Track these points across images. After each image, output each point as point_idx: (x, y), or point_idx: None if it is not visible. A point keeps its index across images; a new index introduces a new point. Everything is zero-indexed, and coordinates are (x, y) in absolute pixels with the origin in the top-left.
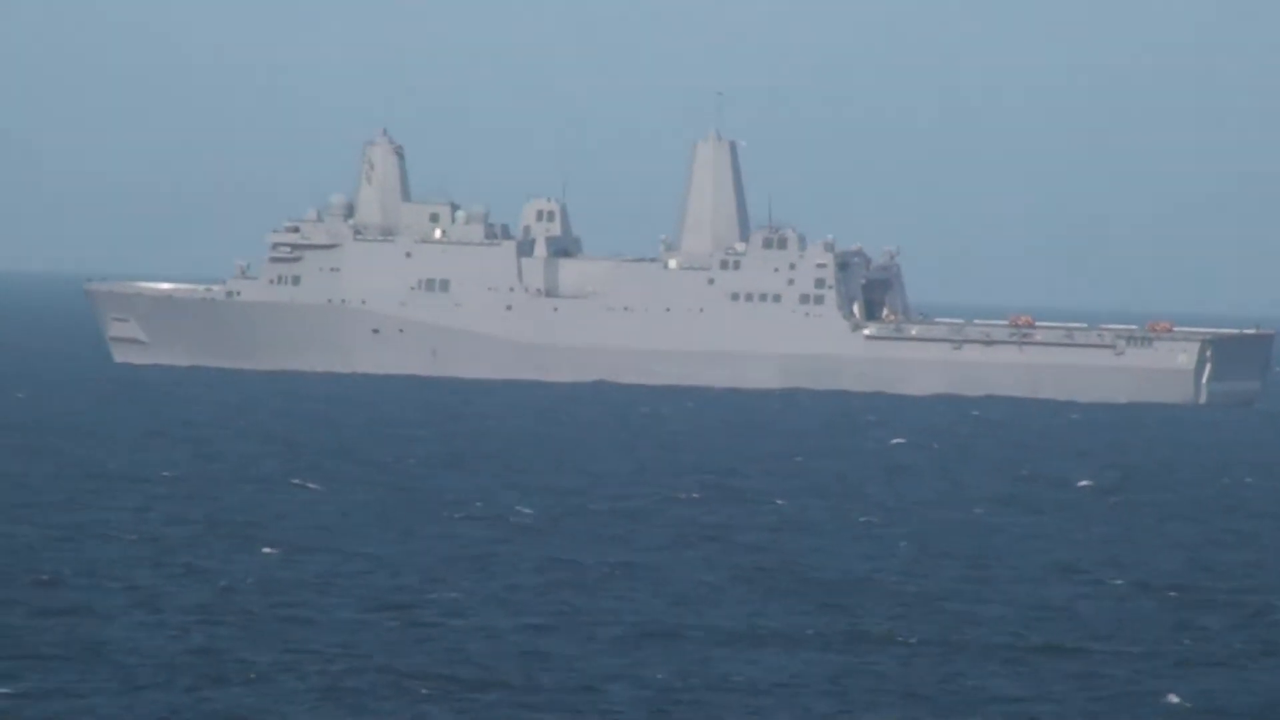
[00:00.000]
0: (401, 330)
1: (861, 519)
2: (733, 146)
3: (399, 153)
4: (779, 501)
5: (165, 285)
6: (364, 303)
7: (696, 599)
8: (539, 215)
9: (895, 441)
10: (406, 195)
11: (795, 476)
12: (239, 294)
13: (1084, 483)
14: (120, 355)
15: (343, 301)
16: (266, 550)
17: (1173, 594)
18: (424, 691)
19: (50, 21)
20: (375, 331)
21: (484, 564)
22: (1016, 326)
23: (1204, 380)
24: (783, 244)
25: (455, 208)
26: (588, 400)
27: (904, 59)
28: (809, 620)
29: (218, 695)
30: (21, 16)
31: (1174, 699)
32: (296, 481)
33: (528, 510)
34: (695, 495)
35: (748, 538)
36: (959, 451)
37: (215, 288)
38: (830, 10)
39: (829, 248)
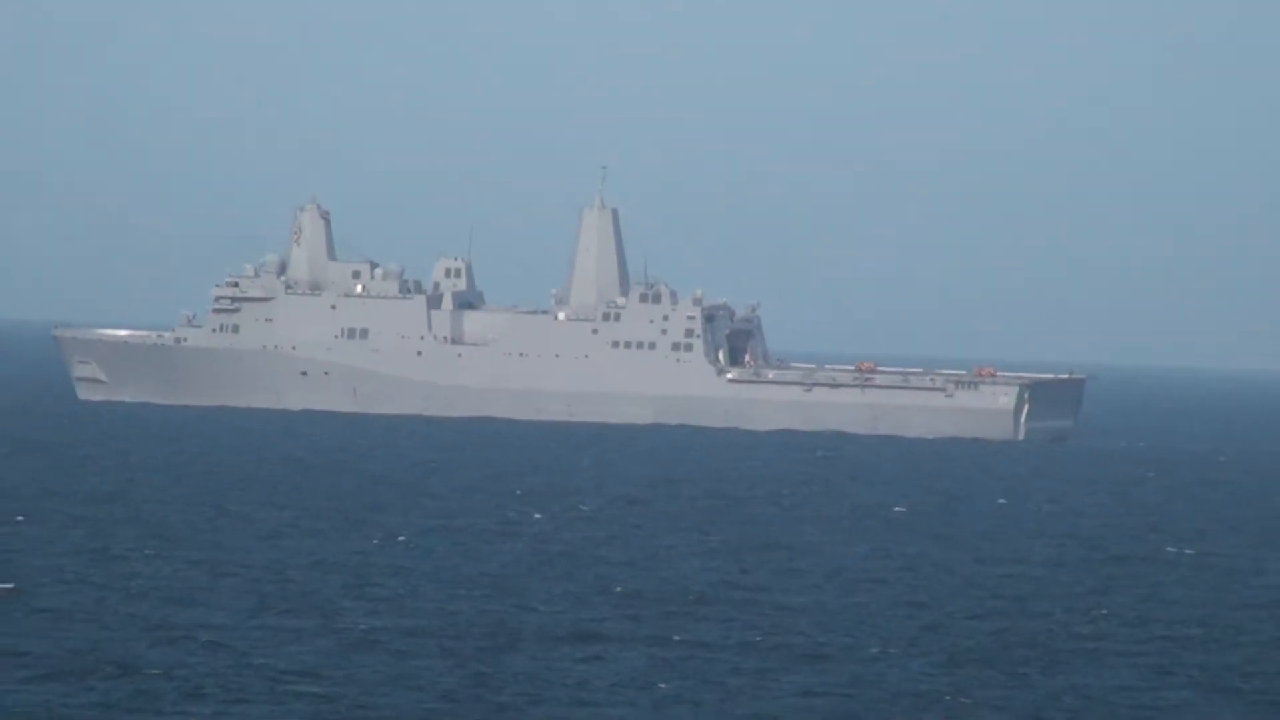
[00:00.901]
0: (326, 373)
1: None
2: (614, 213)
3: (325, 217)
4: (583, 507)
5: (122, 331)
6: (294, 348)
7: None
8: (447, 272)
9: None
10: (332, 254)
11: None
12: (185, 340)
13: (898, 509)
14: (84, 394)
15: (275, 347)
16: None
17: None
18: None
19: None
20: (304, 374)
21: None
22: (860, 371)
23: (1022, 419)
24: (657, 298)
25: (374, 265)
26: (469, 435)
27: (760, 137)
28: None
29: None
30: None
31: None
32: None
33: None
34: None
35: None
36: (798, 478)
37: (165, 334)
38: (699, 89)
39: (697, 302)
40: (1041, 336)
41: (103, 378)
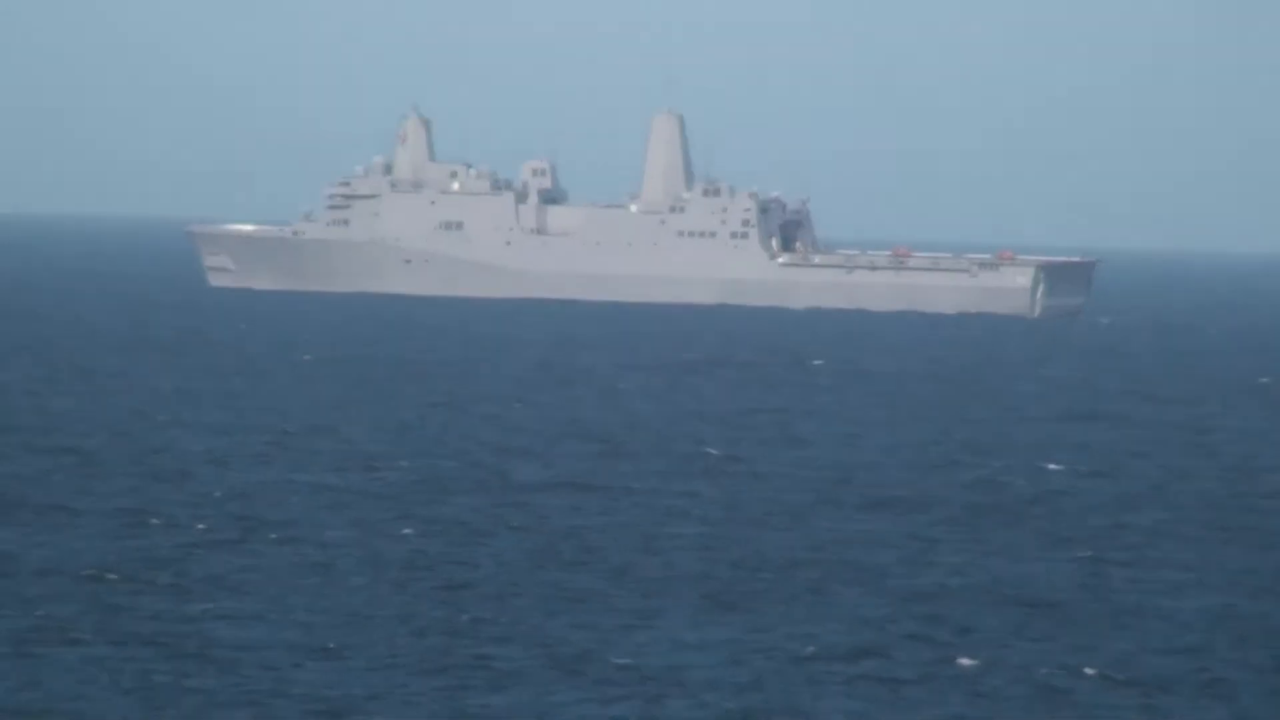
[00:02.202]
0: (426, 261)
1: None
2: (680, 119)
3: (426, 124)
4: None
5: (248, 226)
6: (398, 240)
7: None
8: (534, 172)
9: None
10: (432, 156)
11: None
12: (303, 233)
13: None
14: (215, 281)
15: (381, 239)
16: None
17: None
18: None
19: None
20: (407, 262)
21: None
22: (896, 255)
23: (1038, 297)
24: (717, 193)
25: (469, 166)
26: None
27: (824, 33)
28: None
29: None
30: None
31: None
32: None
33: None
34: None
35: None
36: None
37: (285, 229)
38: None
39: (753, 196)
40: (1111, 221)
41: (231, 267)
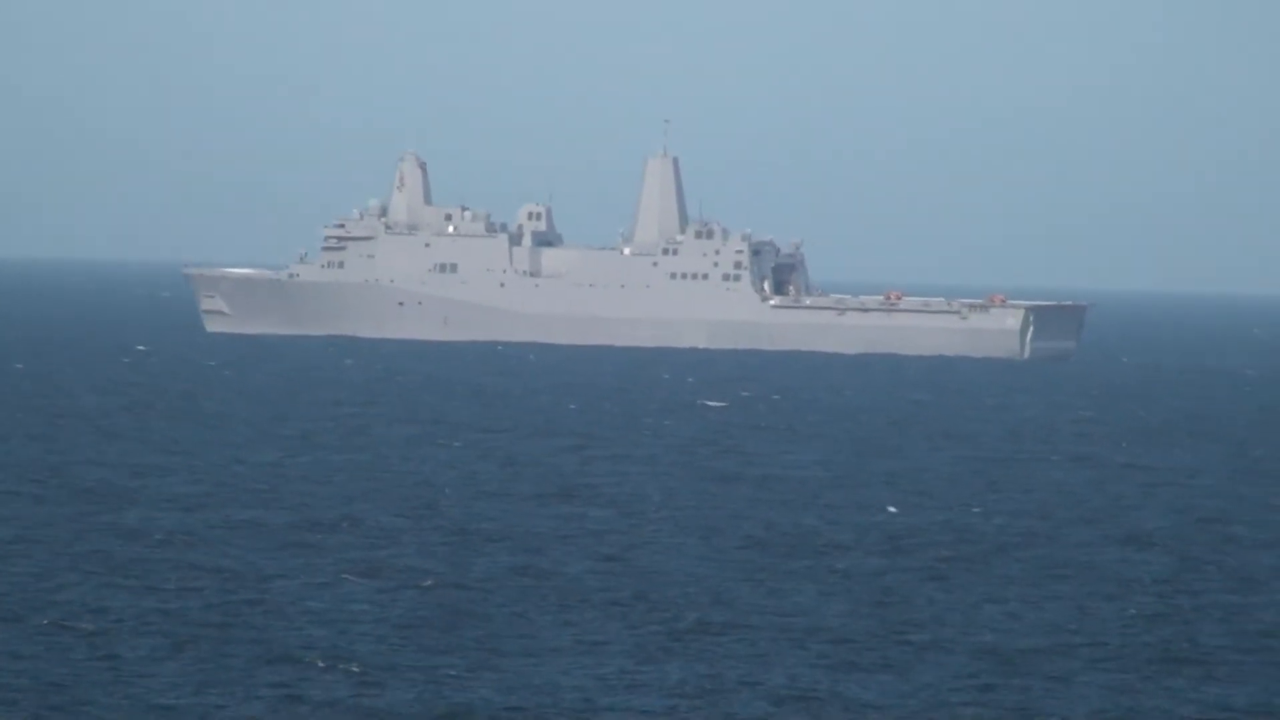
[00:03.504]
0: (420, 303)
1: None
2: (675, 162)
3: (422, 166)
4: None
5: (243, 270)
6: (392, 281)
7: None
8: (529, 215)
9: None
10: (428, 200)
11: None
12: (298, 275)
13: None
14: (210, 326)
15: (376, 281)
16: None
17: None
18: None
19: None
20: (400, 304)
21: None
22: (888, 299)
23: (1027, 339)
24: (710, 235)
25: (465, 209)
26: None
27: (808, 94)
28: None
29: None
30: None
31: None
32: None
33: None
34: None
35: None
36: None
37: (280, 272)
38: (757, 46)
39: (745, 238)
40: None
41: (226, 310)
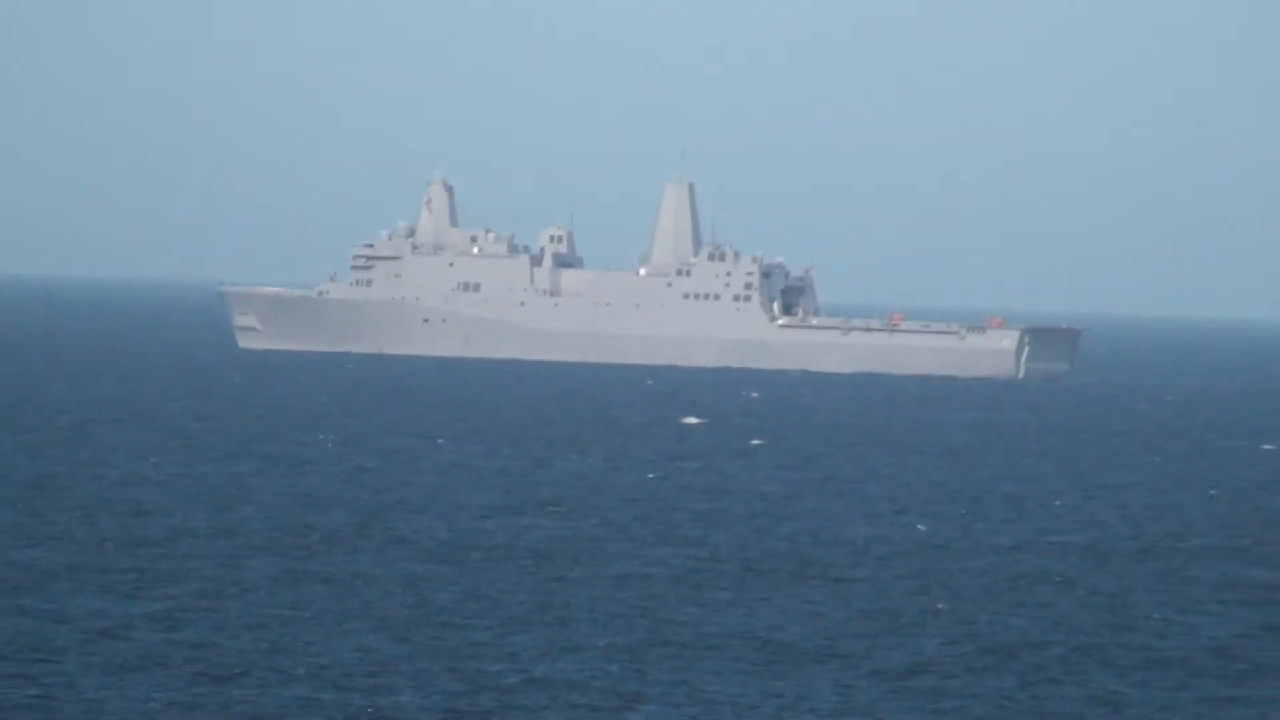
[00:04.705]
0: (444, 320)
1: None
2: (691, 187)
3: (450, 190)
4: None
5: (275, 288)
6: (418, 299)
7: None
8: (551, 238)
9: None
10: (454, 222)
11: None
12: (328, 293)
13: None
14: (244, 342)
15: (402, 299)
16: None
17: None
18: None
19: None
20: (425, 321)
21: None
22: (890, 321)
23: (1022, 360)
24: (722, 257)
25: (488, 231)
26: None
27: (825, 116)
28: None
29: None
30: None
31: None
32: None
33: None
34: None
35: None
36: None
37: (311, 291)
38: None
39: (756, 261)
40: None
41: (259, 327)
